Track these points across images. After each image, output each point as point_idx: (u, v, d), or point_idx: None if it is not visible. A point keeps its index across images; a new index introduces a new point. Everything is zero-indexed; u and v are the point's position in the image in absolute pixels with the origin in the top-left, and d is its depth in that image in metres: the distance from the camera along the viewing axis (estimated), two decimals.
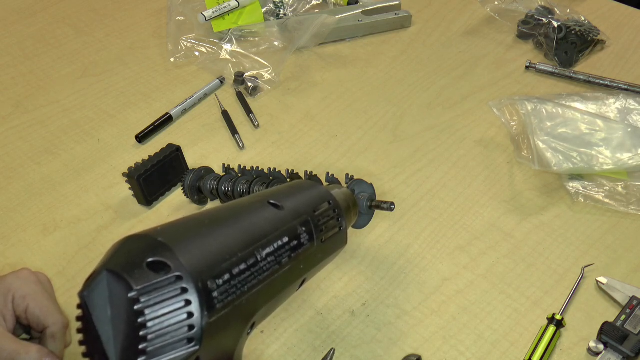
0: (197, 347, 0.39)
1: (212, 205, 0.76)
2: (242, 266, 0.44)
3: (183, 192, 0.74)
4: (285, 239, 0.48)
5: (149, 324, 0.37)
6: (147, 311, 0.38)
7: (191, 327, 0.39)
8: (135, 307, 0.37)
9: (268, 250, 0.47)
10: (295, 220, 0.50)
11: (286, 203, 0.51)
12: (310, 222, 0.52)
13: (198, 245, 0.42)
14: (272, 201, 0.51)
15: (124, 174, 0.74)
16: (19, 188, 0.78)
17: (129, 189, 0.75)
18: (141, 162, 0.74)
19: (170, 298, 0.38)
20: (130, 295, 0.38)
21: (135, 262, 0.39)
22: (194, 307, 0.39)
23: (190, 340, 0.39)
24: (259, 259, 0.45)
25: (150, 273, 0.39)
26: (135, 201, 0.76)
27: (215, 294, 0.41)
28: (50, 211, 0.75)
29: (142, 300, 0.38)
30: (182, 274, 0.39)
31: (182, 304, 0.39)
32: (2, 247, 0.71)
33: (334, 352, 0.61)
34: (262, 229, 0.48)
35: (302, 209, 0.52)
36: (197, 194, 0.74)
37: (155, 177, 0.74)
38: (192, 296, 0.39)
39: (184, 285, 0.39)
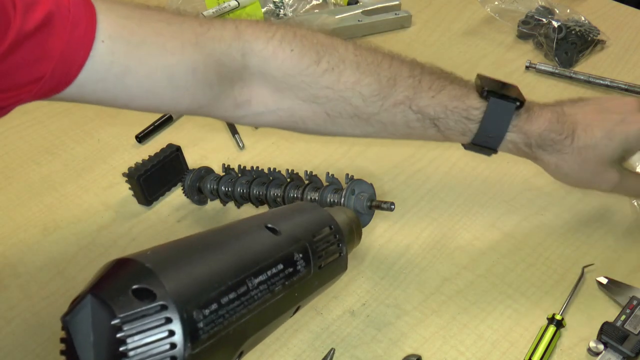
0: None
1: (212, 205, 0.76)
2: (232, 295, 0.43)
3: (183, 192, 0.74)
4: (280, 267, 0.47)
5: (131, 354, 0.37)
6: (129, 340, 0.37)
7: (173, 359, 0.38)
8: (118, 335, 0.37)
9: (260, 278, 0.45)
10: (292, 246, 0.49)
11: (284, 227, 0.50)
12: (308, 248, 0.50)
13: (186, 273, 0.41)
14: (269, 225, 0.50)
15: (124, 174, 0.74)
16: (19, 188, 0.78)
17: (129, 189, 0.75)
18: (141, 162, 0.74)
19: (154, 327, 0.38)
20: (113, 322, 0.37)
21: (120, 288, 0.39)
22: (177, 338, 0.38)
23: None
24: (250, 288, 0.44)
25: (134, 300, 0.38)
26: (135, 201, 0.76)
27: (200, 324, 0.40)
28: (50, 211, 0.75)
29: (125, 328, 0.37)
30: (166, 303, 0.38)
31: (166, 334, 0.38)
32: (2, 247, 0.71)
33: (334, 352, 0.61)
34: (256, 255, 0.46)
35: (300, 234, 0.51)
36: (197, 194, 0.74)
37: (155, 177, 0.74)
38: (176, 326, 0.38)
39: (168, 315, 0.38)
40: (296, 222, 0.52)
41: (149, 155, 0.75)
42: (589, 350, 0.61)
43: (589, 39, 0.99)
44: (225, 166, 0.74)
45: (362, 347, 0.62)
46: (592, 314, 0.65)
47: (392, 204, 0.64)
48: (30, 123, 0.88)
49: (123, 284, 0.39)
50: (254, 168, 0.73)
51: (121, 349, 0.37)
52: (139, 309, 0.38)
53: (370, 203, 0.65)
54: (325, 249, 0.52)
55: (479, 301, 0.66)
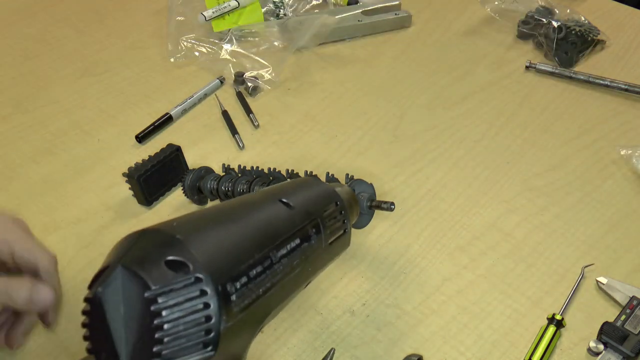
0: (212, 353, 0.38)
1: (212, 205, 0.76)
2: (259, 269, 0.42)
3: (183, 192, 0.74)
4: (297, 241, 0.47)
5: (166, 326, 0.36)
6: (164, 312, 0.36)
7: (208, 331, 0.37)
8: (152, 308, 0.36)
9: (282, 252, 0.45)
10: (306, 221, 0.49)
11: (297, 202, 0.50)
12: (319, 223, 0.50)
13: (216, 246, 0.41)
14: (283, 200, 0.50)
15: (124, 174, 0.74)
16: (19, 188, 0.78)
17: (129, 189, 0.75)
18: (141, 162, 0.74)
19: (189, 300, 0.37)
20: (147, 294, 0.36)
21: (152, 260, 0.38)
22: (212, 311, 0.38)
23: (206, 344, 0.37)
24: (274, 261, 0.44)
25: (168, 272, 0.37)
26: (135, 201, 0.76)
27: (233, 297, 0.39)
28: (50, 211, 0.75)
29: (160, 300, 0.36)
30: (201, 275, 0.38)
31: (201, 306, 0.37)
32: None
33: (334, 352, 0.61)
34: (276, 229, 0.46)
35: (312, 210, 0.51)
36: (197, 194, 0.74)
37: (155, 177, 0.74)
38: (211, 299, 0.38)
39: (204, 288, 0.37)
40: (306, 197, 0.52)
41: (149, 155, 0.75)
42: (589, 350, 0.61)
43: (589, 39, 0.99)
44: (225, 166, 0.74)
45: (362, 347, 0.62)
46: (592, 314, 0.65)
47: (392, 204, 0.64)
48: (30, 123, 0.88)
49: (155, 256, 0.38)
50: (254, 168, 0.73)
51: (156, 321, 0.36)
52: (173, 281, 0.37)
53: (370, 203, 0.65)
54: (333, 225, 0.53)
55: (479, 301, 0.66)
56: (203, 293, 0.38)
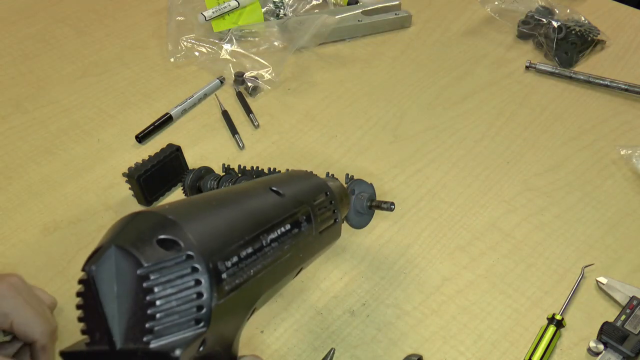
0: (204, 329, 0.38)
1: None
2: (249, 250, 0.43)
3: (183, 192, 0.74)
4: (288, 226, 0.48)
5: (158, 302, 0.36)
6: (156, 289, 0.37)
7: (200, 308, 0.38)
8: (144, 285, 0.37)
9: (272, 235, 0.46)
10: (296, 208, 0.50)
11: (287, 191, 0.51)
12: (310, 211, 0.51)
13: (208, 226, 0.41)
14: (274, 188, 0.51)
15: (124, 174, 0.74)
16: (19, 188, 0.78)
17: (129, 189, 0.75)
18: (141, 162, 0.74)
19: (180, 277, 0.37)
20: (139, 272, 0.37)
21: (144, 239, 0.38)
22: (204, 288, 0.38)
23: (198, 321, 0.38)
24: (264, 244, 0.45)
25: (160, 250, 0.38)
26: (135, 201, 0.76)
27: (224, 275, 0.40)
28: (50, 211, 0.76)
29: (152, 277, 0.37)
30: (193, 253, 0.38)
31: (192, 283, 0.38)
32: (2, 247, 0.71)
33: (334, 352, 0.61)
34: (267, 214, 0.47)
35: (302, 198, 0.52)
36: (197, 194, 0.74)
37: (155, 177, 0.74)
38: (203, 276, 0.38)
39: (195, 265, 0.38)
40: (297, 186, 0.53)
41: (149, 155, 0.75)
42: (589, 350, 0.61)
43: (589, 39, 0.99)
44: (225, 166, 0.74)
45: (362, 347, 0.62)
46: (592, 314, 0.65)
47: (392, 204, 0.64)
48: (30, 123, 0.88)
49: (147, 235, 0.38)
50: (254, 168, 0.73)
51: (148, 298, 0.36)
52: (165, 258, 0.37)
53: (370, 203, 0.65)
54: (323, 214, 0.53)
55: (479, 301, 0.66)
56: (194, 270, 0.38)
